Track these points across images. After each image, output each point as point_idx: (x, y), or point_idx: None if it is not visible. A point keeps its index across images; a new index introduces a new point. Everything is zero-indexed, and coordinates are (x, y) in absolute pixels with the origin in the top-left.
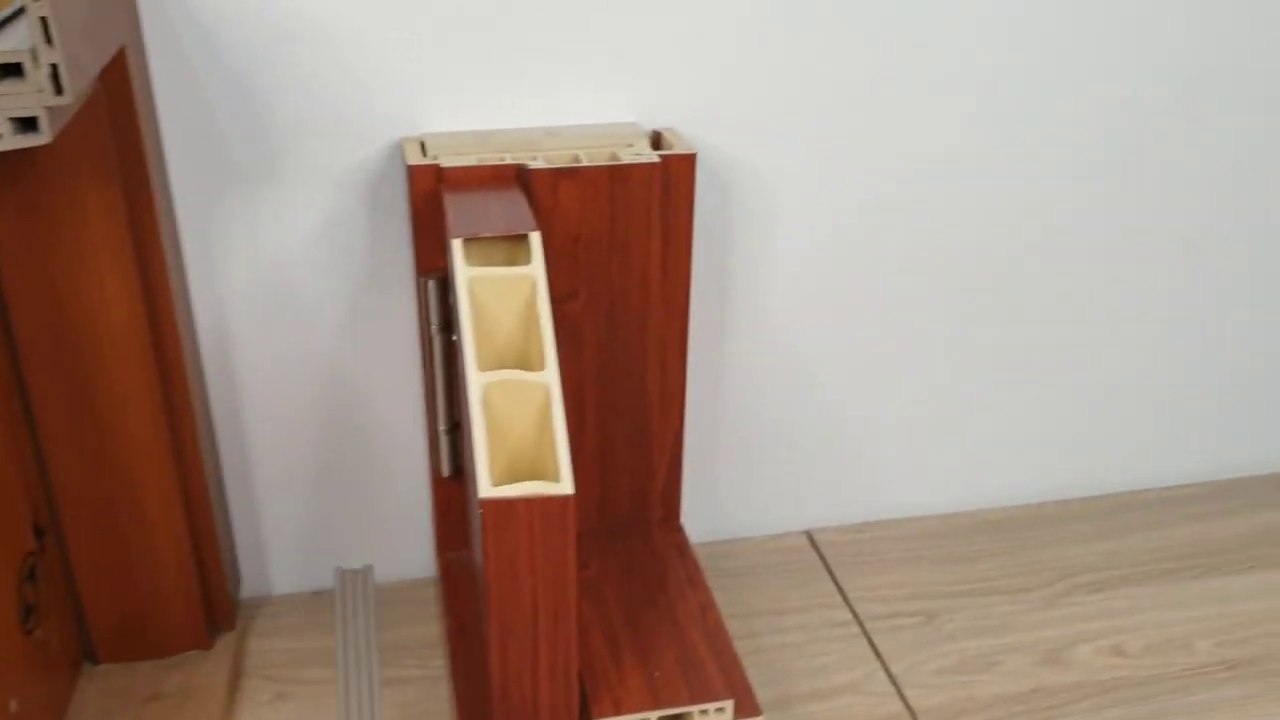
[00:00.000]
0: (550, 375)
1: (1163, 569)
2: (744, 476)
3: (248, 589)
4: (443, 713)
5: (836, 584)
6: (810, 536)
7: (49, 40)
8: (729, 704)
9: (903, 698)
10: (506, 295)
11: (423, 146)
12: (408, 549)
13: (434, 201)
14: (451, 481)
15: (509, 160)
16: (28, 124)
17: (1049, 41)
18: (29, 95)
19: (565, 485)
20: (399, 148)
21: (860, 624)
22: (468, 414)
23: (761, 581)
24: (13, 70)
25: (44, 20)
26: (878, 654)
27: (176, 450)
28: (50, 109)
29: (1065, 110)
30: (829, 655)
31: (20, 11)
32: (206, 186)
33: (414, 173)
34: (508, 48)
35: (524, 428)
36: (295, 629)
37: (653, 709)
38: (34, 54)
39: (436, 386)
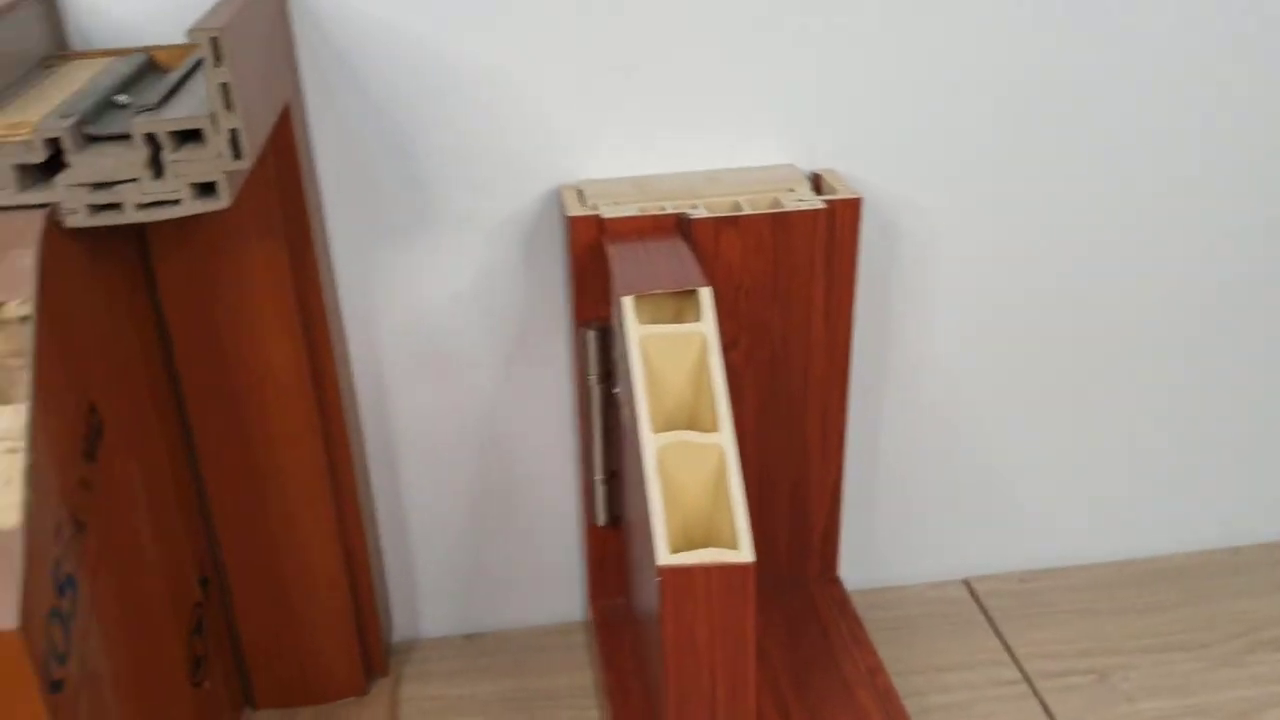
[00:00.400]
0: (725, 437)
1: None
2: (900, 523)
3: (397, 633)
4: None
5: (1001, 638)
6: (969, 585)
7: (229, 106)
8: None
9: None
10: (677, 352)
11: (580, 195)
12: (555, 595)
13: (594, 252)
14: (606, 530)
15: (669, 209)
16: (206, 189)
17: (1224, 105)
18: (208, 161)
19: (745, 553)
20: (554, 196)
21: (1029, 683)
22: (639, 475)
23: (920, 634)
24: (192, 136)
25: (225, 86)
26: (1050, 716)
27: (336, 499)
28: (228, 173)
29: (1241, 166)
30: (999, 717)
31: (195, 69)
32: (363, 238)
33: (574, 224)
34: (661, 93)
35: (698, 490)
36: (446, 675)
37: None
38: (214, 119)
39: (594, 436)
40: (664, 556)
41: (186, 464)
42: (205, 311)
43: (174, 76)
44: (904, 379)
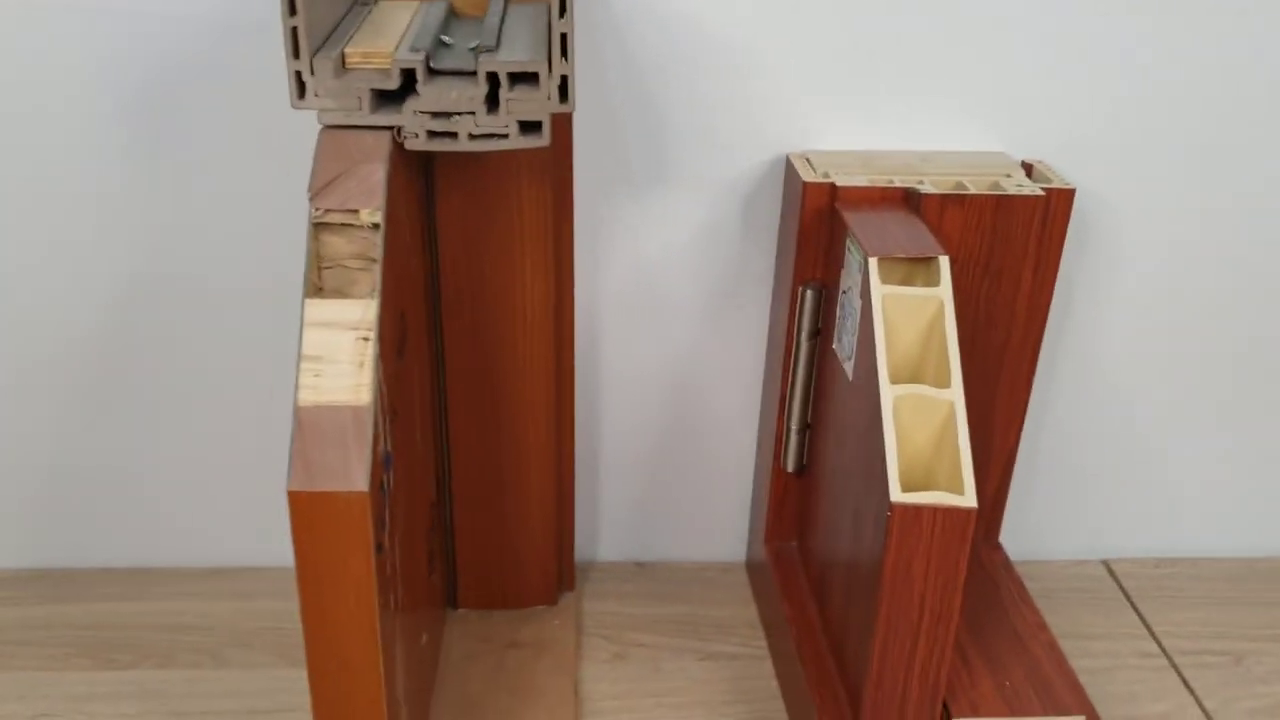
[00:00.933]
0: (956, 393)
1: None
2: (1053, 500)
3: (578, 553)
4: (767, 689)
5: (1140, 616)
6: (1108, 565)
7: (564, 54)
8: (1081, 719)
9: None
10: (913, 313)
11: (809, 163)
12: (721, 535)
13: (821, 216)
14: (792, 477)
15: (897, 183)
16: (531, 127)
17: None
18: (539, 101)
19: (969, 499)
20: (776, 163)
21: (1168, 657)
22: (854, 425)
23: (1065, 605)
24: (526, 78)
25: (564, 36)
26: (1189, 688)
27: (558, 426)
28: (553, 114)
29: None
30: (1140, 684)
31: (504, 17)
32: (603, 190)
33: (808, 189)
34: (886, 75)
35: (924, 440)
36: (621, 595)
37: (1007, 716)
38: (550, 64)
39: (795, 388)
40: (896, 494)
41: (435, 377)
42: (473, 241)
43: (492, 21)
44: (1075, 364)
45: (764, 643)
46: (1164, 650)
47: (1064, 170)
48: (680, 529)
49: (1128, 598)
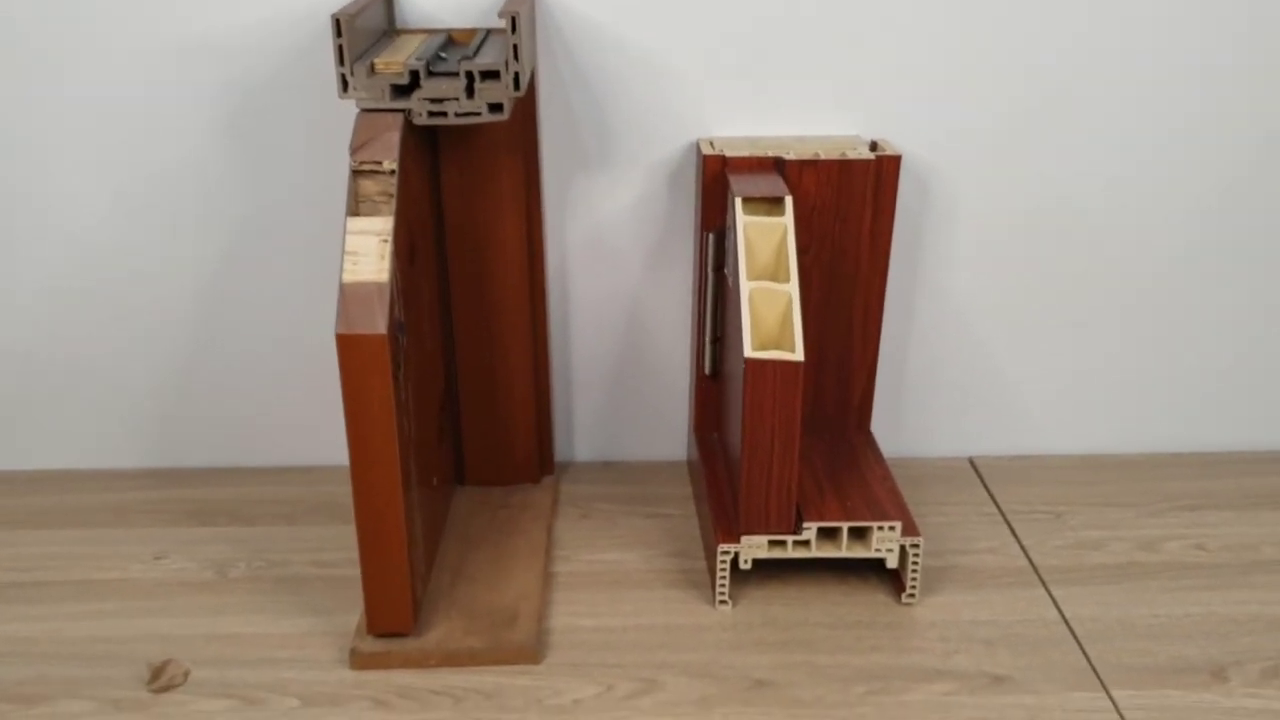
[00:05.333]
0: (793, 287)
1: (1248, 501)
2: (919, 406)
3: (558, 454)
4: (691, 533)
5: (989, 492)
6: (972, 462)
7: (516, 57)
8: (899, 524)
9: (1029, 559)
10: (767, 235)
11: (711, 144)
12: (668, 437)
13: (718, 180)
14: (710, 380)
15: (770, 154)
16: (496, 108)
17: (1199, 72)
18: (501, 90)
19: (799, 355)
20: (693, 147)
21: (1003, 515)
22: (736, 324)
23: (928, 486)
24: (492, 75)
25: (515, 46)
26: (1014, 533)
27: (534, 341)
28: (510, 99)
29: (1216, 132)
30: (975, 532)
31: (485, 42)
32: (564, 166)
33: (707, 160)
34: (770, 81)
35: (772, 320)
36: (591, 480)
37: (843, 520)
38: (507, 65)
39: (707, 309)
40: (748, 351)
41: (441, 299)
42: (467, 193)
43: (474, 44)
44: (931, 290)
45: (693, 507)
46: (1001, 512)
47: (905, 146)
48: (638, 432)
49: (982, 480)
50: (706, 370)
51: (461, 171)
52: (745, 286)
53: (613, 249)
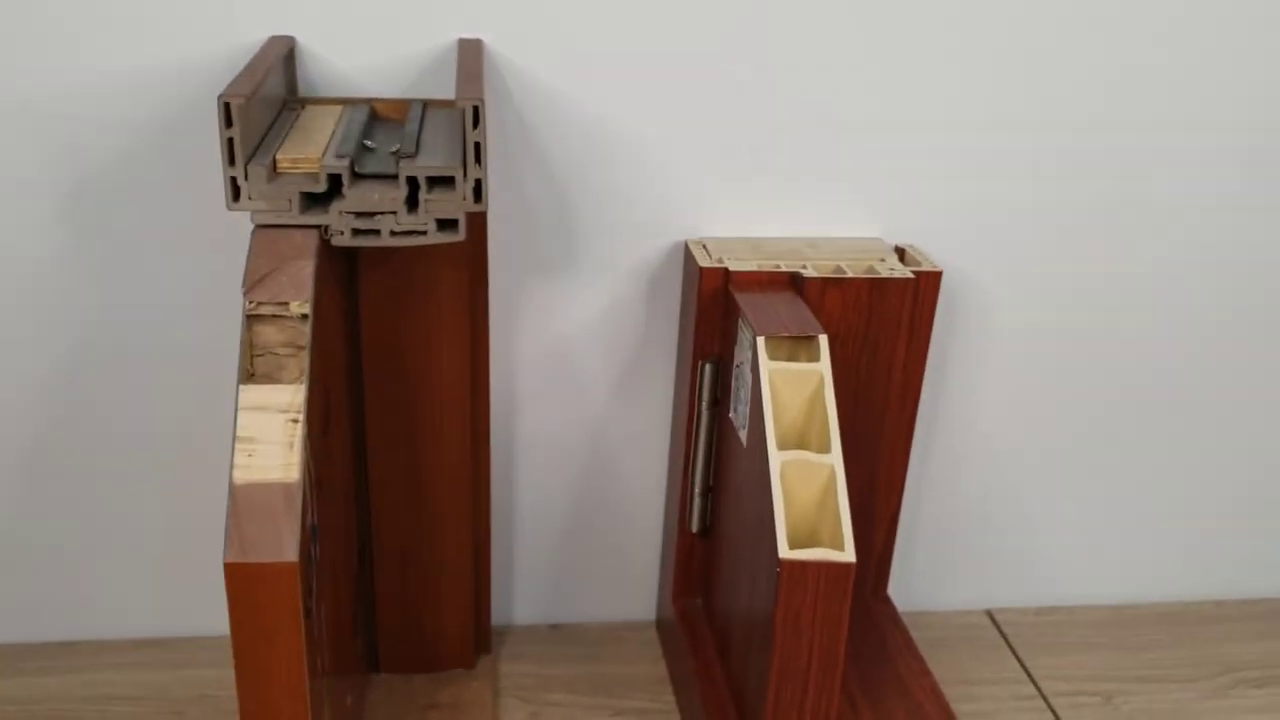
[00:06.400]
0: (835, 458)
1: None
2: (936, 555)
3: (494, 615)
4: None
5: (1020, 661)
6: (991, 615)
7: (478, 160)
8: None
9: None
10: (798, 386)
11: (705, 249)
12: (630, 595)
13: (717, 297)
14: (694, 538)
15: (784, 267)
16: (447, 224)
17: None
18: (455, 202)
19: (849, 554)
20: (676, 248)
21: (1045, 699)
22: (750, 487)
23: (950, 652)
24: (442, 181)
25: (478, 145)
26: None
27: (474, 493)
28: (468, 213)
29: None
30: None
31: (423, 122)
32: (516, 272)
33: (705, 273)
34: (775, 169)
35: (808, 500)
36: (538, 657)
37: None
38: (465, 169)
39: (697, 454)
40: (785, 551)
41: (355, 450)
42: (393, 320)
43: (411, 128)
44: (950, 430)
45: (672, 698)
46: (1041, 693)
47: (932, 252)
48: (593, 591)
49: (1009, 644)
50: (693, 527)
51: (386, 293)
52: (775, 458)
53: (573, 371)
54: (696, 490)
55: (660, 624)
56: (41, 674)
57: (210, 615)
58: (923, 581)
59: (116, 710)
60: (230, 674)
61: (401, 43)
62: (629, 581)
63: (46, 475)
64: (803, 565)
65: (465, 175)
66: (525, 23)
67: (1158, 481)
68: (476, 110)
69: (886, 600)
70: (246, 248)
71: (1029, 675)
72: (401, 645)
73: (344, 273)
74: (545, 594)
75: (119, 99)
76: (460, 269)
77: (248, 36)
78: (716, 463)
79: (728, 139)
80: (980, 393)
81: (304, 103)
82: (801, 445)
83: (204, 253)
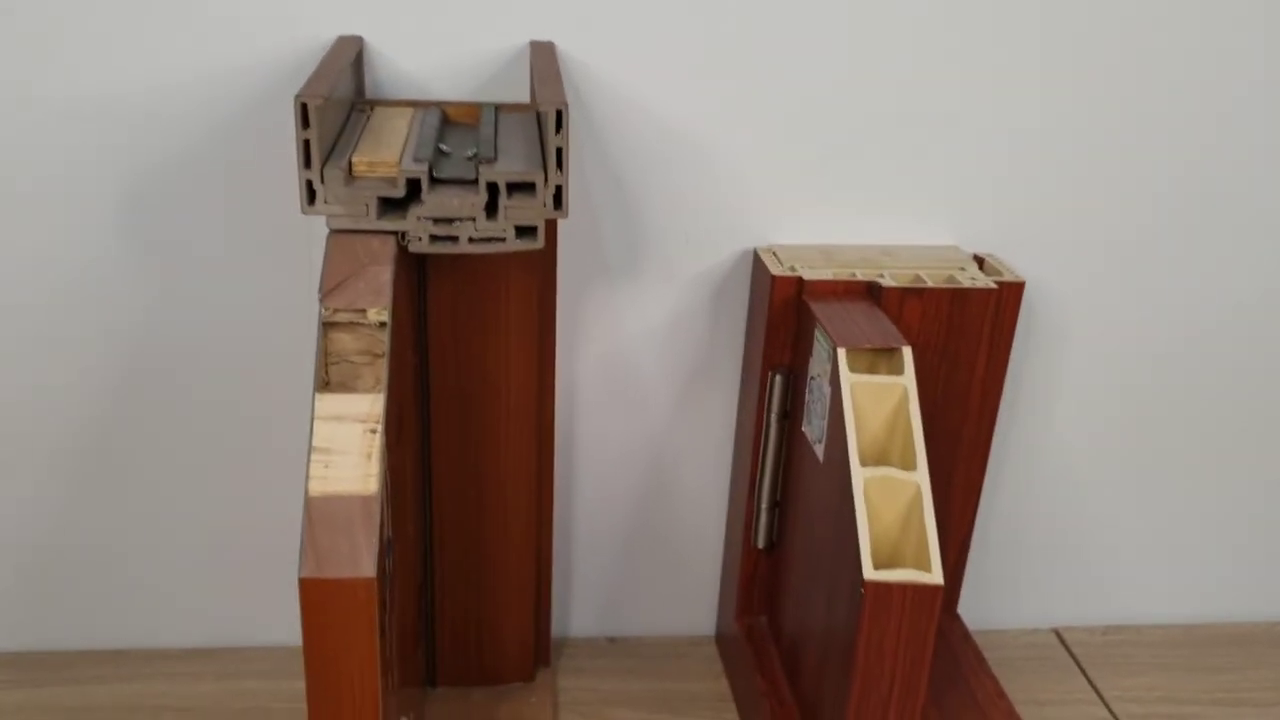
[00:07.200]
0: (921, 475)
1: None
2: (1003, 572)
3: (553, 630)
4: None
5: (1090, 682)
6: (1059, 634)
7: (560, 166)
8: None
9: None
10: (881, 400)
11: (776, 257)
12: (690, 609)
13: (789, 306)
14: (762, 553)
15: (860, 276)
16: (526, 231)
17: None
18: (534, 209)
19: (936, 576)
20: (745, 255)
21: None
22: (823, 504)
23: (1019, 672)
24: (522, 187)
25: (560, 150)
26: None
27: (538, 507)
28: (547, 220)
29: None
30: None
31: (498, 118)
32: (583, 280)
33: (777, 281)
34: (849, 174)
35: (891, 519)
36: (597, 671)
37: None
38: (546, 175)
39: (765, 467)
40: (870, 572)
41: (421, 452)
42: (461, 328)
43: (486, 132)
44: (1024, 445)
45: (735, 716)
46: (1114, 715)
47: (1012, 262)
48: (651, 603)
49: (1078, 664)
50: (759, 542)
51: (455, 301)
52: (858, 474)
53: (635, 381)
54: (764, 504)
55: (720, 639)
56: (95, 682)
57: (260, 626)
58: (991, 599)
59: None
60: (281, 686)
61: (472, 44)
62: (688, 595)
63: (104, 481)
64: (888, 587)
65: (546, 181)
66: (596, 25)
67: (1232, 501)
68: (560, 114)
69: (957, 618)
70: (308, 252)
71: (1100, 696)
72: (460, 658)
73: (414, 280)
74: (603, 606)
75: (183, 98)
76: (531, 276)
77: (315, 37)
78: (785, 477)
79: (798, 145)
80: (1052, 407)
81: (372, 105)
82: (883, 461)
83: (264, 256)
